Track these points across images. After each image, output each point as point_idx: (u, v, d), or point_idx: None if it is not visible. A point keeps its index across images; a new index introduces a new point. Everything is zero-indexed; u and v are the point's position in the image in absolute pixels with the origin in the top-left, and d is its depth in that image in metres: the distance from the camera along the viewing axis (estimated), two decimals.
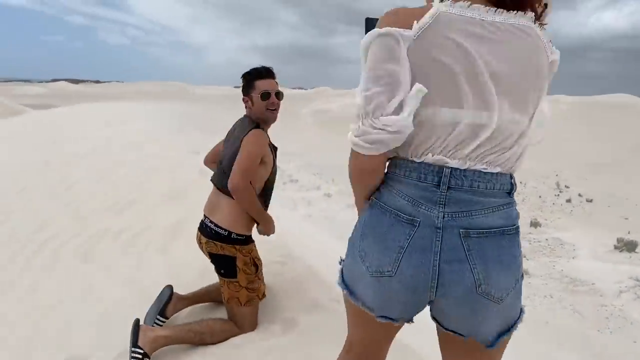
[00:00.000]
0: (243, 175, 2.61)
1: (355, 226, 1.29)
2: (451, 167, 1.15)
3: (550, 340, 12.15)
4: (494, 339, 1.25)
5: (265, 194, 2.87)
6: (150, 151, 8.82)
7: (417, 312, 1.28)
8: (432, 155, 1.16)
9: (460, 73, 1.10)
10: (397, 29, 1.11)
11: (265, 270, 3.34)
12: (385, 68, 1.12)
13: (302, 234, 5.99)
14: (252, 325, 2.83)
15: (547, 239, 22.95)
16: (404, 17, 1.12)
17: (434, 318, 1.32)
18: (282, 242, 3.98)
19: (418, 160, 1.18)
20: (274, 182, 2.93)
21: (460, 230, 1.14)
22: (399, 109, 1.13)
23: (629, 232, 23.33)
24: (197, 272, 3.56)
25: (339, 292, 3.04)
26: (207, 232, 2.79)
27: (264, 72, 2.83)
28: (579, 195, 32.13)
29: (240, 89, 2.88)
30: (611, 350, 12.23)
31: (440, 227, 1.14)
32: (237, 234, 2.73)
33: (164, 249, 4.27)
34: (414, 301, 1.22)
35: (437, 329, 1.35)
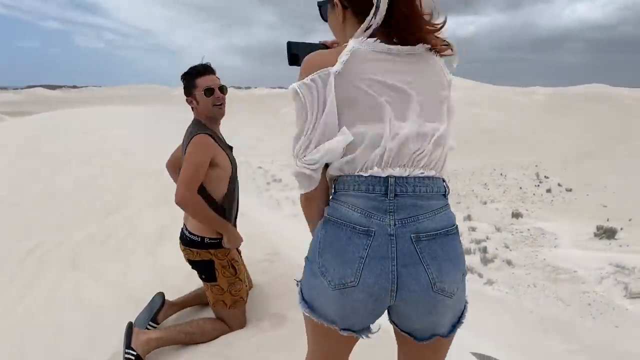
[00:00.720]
0: (187, 187, 2.53)
1: (311, 245, 1.38)
2: (395, 176, 1.27)
3: (535, 328, 12.37)
4: (449, 331, 1.37)
5: (229, 197, 2.84)
6: (134, 156, 8.80)
7: (376, 320, 1.37)
8: (376, 168, 1.28)
9: (380, 94, 1.26)
10: (321, 71, 1.27)
11: (253, 269, 3.40)
12: (310, 114, 1.28)
13: (287, 232, 6.06)
14: (241, 324, 2.89)
15: (529, 229, 23.28)
16: (328, 56, 1.29)
17: (392, 322, 1.42)
18: (268, 241, 4.05)
19: (365, 175, 1.29)
20: (236, 179, 2.89)
21: (412, 235, 1.25)
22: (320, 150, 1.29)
23: (607, 220, 23.76)
24: (184, 275, 3.60)
25: None
26: (184, 239, 2.83)
27: (203, 69, 2.76)
28: (559, 185, 32.62)
29: (183, 90, 2.82)
30: (594, 335, 12.48)
31: (394, 234, 1.25)
32: (209, 239, 2.74)
33: (150, 253, 4.30)
34: (376, 308, 1.31)
35: (394, 329, 1.46)
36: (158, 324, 3.05)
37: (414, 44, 1.32)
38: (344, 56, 1.27)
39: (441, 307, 1.30)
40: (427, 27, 1.31)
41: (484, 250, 19.92)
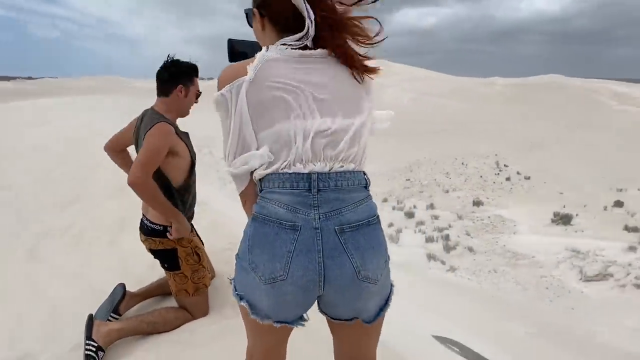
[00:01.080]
0: (143, 169, 2.52)
1: (241, 243, 1.43)
2: (317, 172, 1.33)
3: (496, 313, 12.70)
4: (376, 315, 1.45)
5: (187, 187, 2.85)
6: (93, 146, 8.61)
7: (307, 310, 1.44)
8: (298, 165, 1.34)
9: (291, 95, 1.33)
10: (235, 81, 1.35)
11: (216, 258, 3.39)
12: (228, 125, 1.38)
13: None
14: (204, 312, 2.89)
15: (489, 217, 23.81)
16: (241, 68, 1.36)
17: (322, 311, 1.49)
18: (230, 230, 4.04)
19: (289, 172, 1.34)
20: (194, 170, 2.91)
21: (336, 227, 1.31)
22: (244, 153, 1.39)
23: (564, 206, 24.51)
24: (147, 264, 3.57)
25: None
26: (145, 229, 2.83)
27: (198, 72, 2.89)
28: (518, 173, 33.43)
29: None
30: (552, 318, 12.91)
31: (319, 228, 1.31)
32: (164, 225, 2.76)
33: (112, 244, 4.24)
34: (306, 300, 1.37)
35: (327, 319, 1.53)
36: (120, 315, 3.02)
37: (324, 48, 1.39)
38: (255, 64, 1.34)
39: (366, 293, 1.37)
40: (351, 43, 1.39)
41: (447, 237, 20.30)
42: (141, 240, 2.90)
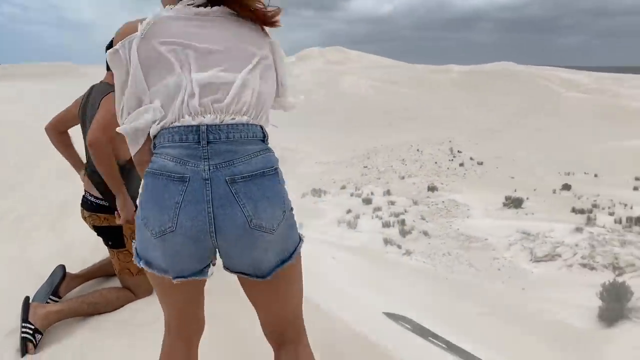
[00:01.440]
0: (104, 131, 2.39)
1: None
2: (207, 124, 1.32)
3: (450, 294, 13.01)
4: (275, 267, 1.41)
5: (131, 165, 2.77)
6: (38, 130, 8.28)
7: (207, 263, 1.42)
8: (187, 117, 1.32)
9: (180, 50, 1.34)
10: (127, 37, 1.36)
11: None
12: (123, 80, 1.39)
13: None
14: (148, 291, 2.80)
15: (443, 202, 24.32)
16: (134, 25, 1.37)
17: (226, 268, 1.45)
18: None
19: (178, 125, 1.33)
20: None
21: (227, 178, 1.30)
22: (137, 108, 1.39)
23: (515, 190, 25.25)
24: (90, 247, 3.45)
25: None
26: (89, 205, 2.72)
27: None
28: (471, 159, 34.21)
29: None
30: (503, 297, 13.32)
31: (209, 179, 1.29)
32: (117, 207, 2.63)
33: (54, 228, 4.08)
34: (199, 251, 1.35)
35: (239, 280, 1.49)
36: (60, 297, 2.90)
37: (221, 5, 1.40)
38: (147, 21, 1.35)
39: (261, 242, 1.35)
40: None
41: (403, 222, 20.62)
42: (83, 217, 2.79)
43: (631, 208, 21.70)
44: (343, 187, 28.93)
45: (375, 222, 21.28)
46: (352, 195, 26.80)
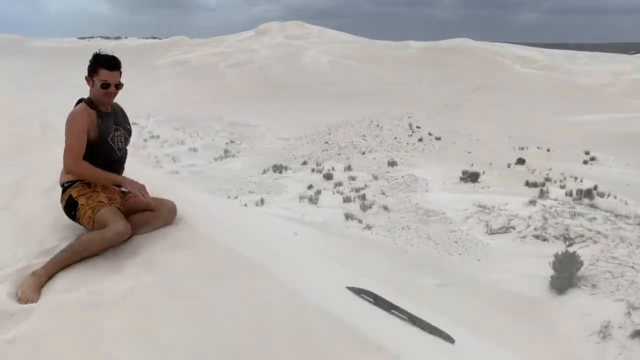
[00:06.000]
0: (69, 155, 2.88)
1: None
2: None
3: (409, 267, 13.31)
4: None
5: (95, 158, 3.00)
6: None
7: None
8: None
9: None
10: None
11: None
12: None
13: (167, 188, 5.87)
14: (115, 222, 2.79)
15: (403, 176, 24.67)
16: None
17: None
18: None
19: None
20: (103, 144, 3.04)
21: None
22: None
23: (472, 165, 25.81)
24: (49, 225, 3.37)
25: (201, 231, 3.08)
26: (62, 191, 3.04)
27: (110, 63, 2.98)
28: (429, 134, 34.68)
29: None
30: (460, 269, 13.73)
31: None
32: (66, 182, 2.99)
33: (7, 208, 3.95)
34: None
35: None
36: None
37: None
38: None
39: None
40: None
41: (363, 197, 20.84)
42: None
43: (581, 181, 22.53)
44: (304, 163, 28.95)
45: (337, 197, 21.43)
46: (313, 171, 26.86)
